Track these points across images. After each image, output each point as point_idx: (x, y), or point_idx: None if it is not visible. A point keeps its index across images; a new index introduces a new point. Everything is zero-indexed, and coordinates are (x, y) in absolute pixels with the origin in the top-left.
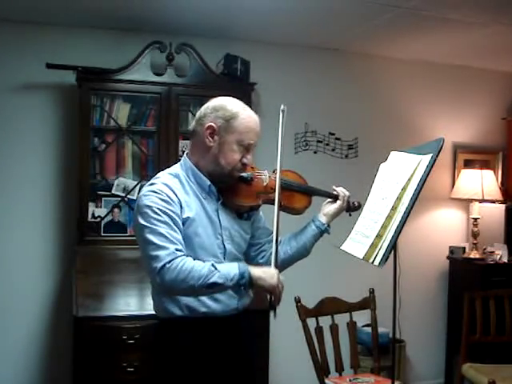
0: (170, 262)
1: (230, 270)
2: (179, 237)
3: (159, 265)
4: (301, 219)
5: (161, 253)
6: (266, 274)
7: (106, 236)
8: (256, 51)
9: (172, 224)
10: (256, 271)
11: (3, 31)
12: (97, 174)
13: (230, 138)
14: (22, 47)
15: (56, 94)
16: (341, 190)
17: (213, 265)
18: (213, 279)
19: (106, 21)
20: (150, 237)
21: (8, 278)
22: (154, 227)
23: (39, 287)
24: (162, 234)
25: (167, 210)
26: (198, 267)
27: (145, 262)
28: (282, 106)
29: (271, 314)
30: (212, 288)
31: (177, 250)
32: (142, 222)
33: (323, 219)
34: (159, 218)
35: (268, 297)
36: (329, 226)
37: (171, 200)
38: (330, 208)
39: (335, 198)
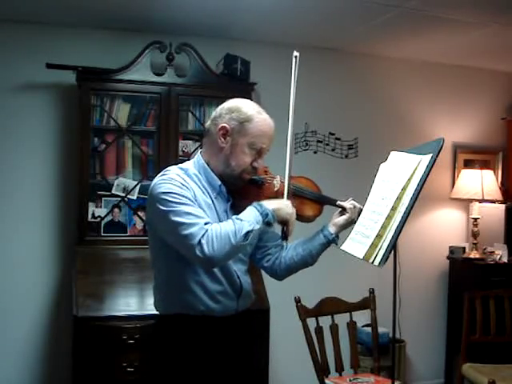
0: (203, 236)
1: (251, 214)
2: (201, 211)
3: (195, 241)
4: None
5: (193, 230)
6: (282, 204)
7: (106, 236)
8: (256, 51)
9: (191, 203)
10: (273, 204)
11: (3, 31)
12: (97, 174)
13: (243, 140)
14: (22, 47)
15: (56, 93)
16: (351, 204)
17: (236, 218)
18: (245, 229)
19: (106, 21)
20: (177, 219)
21: (8, 278)
22: (178, 209)
23: (39, 287)
24: (187, 213)
25: (184, 193)
26: (226, 227)
27: (180, 245)
28: (295, 52)
29: (283, 243)
30: (247, 238)
31: (205, 223)
32: (163, 208)
33: (332, 229)
34: (179, 200)
35: (281, 227)
36: (337, 236)
37: (185, 186)
38: (339, 219)
39: (345, 209)
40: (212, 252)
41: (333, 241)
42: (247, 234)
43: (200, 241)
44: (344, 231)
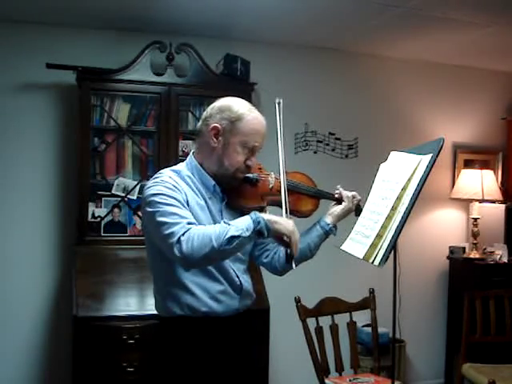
0: (183, 234)
1: (244, 221)
2: (189, 213)
3: (174, 239)
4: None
5: (174, 229)
6: (281, 219)
7: (106, 236)
8: (256, 51)
9: (179, 204)
10: (270, 216)
11: (3, 31)
12: (97, 174)
13: (234, 139)
14: (22, 47)
15: (56, 93)
16: (347, 193)
17: (225, 221)
18: (229, 233)
19: (106, 21)
20: (161, 219)
21: (8, 279)
22: (163, 210)
23: (39, 287)
24: (172, 213)
25: (173, 195)
26: (209, 229)
27: (163, 244)
28: (278, 99)
29: (292, 264)
30: (231, 243)
31: (188, 223)
32: (150, 209)
33: (328, 219)
34: (166, 201)
35: (284, 249)
36: (335, 227)
37: (176, 188)
38: (335, 208)
39: (342, 199)
40: (190, 251)
41: (330, 231)
42: (232, 238)
43: (179, 239)
44: (344, 231)
